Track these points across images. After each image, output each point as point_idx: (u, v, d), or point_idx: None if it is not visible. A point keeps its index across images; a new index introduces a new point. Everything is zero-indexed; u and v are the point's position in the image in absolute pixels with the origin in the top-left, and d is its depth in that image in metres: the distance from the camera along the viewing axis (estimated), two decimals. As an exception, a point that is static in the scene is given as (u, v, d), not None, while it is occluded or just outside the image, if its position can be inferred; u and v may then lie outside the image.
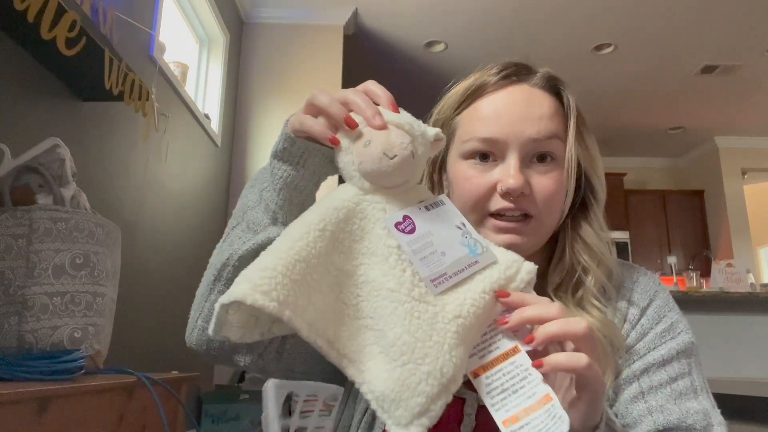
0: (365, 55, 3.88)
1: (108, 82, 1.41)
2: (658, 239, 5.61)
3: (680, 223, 5.64)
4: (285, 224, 0.54)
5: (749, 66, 4.01)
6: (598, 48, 3.79)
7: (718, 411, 0.62)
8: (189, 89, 2.64)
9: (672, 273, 4.44)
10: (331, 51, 3.33)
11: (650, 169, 6.07)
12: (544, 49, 3.80)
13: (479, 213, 0.63)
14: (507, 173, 0.61)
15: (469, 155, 0.65)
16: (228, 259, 0.59)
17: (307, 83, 3.29)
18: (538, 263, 0.60)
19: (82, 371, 0.91)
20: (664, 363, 0.62)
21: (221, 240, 0.64)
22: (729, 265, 3.80)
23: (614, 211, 5.60)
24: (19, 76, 1.33)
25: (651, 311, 0.65)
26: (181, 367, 2.34)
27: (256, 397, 2.40)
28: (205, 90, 2.95)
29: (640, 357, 0.62)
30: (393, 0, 3.30)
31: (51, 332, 0.96)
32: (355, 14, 3.40)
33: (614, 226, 5.54)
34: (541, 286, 0.65)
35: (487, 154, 0.64)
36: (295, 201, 0.58)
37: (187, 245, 2.49)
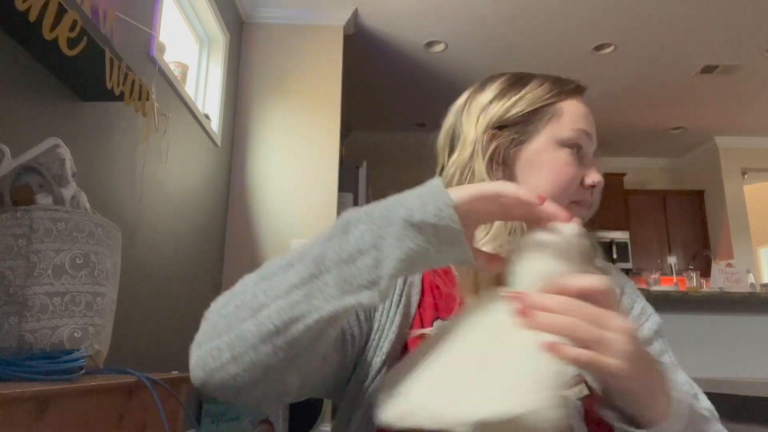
0: (365, 55, 3.88)
1: (109, 82, 1.41)
2: (658, 239, 5.61)
3: (680, 223, 5.64)
4: (383, 293, 0.47)
5: (749, 66, 4.01)
6: (598, 48, 3.79)
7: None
8: (189, 89, 2.64)
9: (672, 273, 4.44)
10: (331, 51, 3.33)
11: (650, 169, 6.07)
12: (544, 49, 3.80)
13: (565, 198, 0.71)
14: (596, 170, 0.73)
15: (570, 144, 0.71)
16: (302, 316, 0.47)
17: (307, 83, 3.28)
18: None
19: (82, 371, 0.91)
20: (645, 344, 0.66)
21: (275, 267, 0.53)
22: (729, 265, 3.80)
23: (614, 211, 5.60)
24: (19, 76, 1.33)
25: (625, 298, 0.73)
26: (181, 367, 2.34)
27: (256, 397, 2.40)
28: (205, 90, 2.95)
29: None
30: (393, 0, 3.30)
31: (51, 332, 0.96)
32: (355, 14, 3.40)
33: (614, 226, 5.55)
34: None
35: (581, 147, 0.72)
36: (404, 274, 0.51)
37: (187, 245, 2.49)
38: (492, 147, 0.72)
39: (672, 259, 4.81)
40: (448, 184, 0.71)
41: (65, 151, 1.09)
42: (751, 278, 3.83)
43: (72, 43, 1.25)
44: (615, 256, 5.45)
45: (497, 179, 0.72)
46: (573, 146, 0.71)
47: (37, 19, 1.14)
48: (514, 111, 0.73)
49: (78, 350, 0.94)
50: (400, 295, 0.65)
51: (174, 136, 2.28)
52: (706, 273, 4.37)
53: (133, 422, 0.98)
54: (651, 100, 4.61)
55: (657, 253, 5.51)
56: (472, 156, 0.73)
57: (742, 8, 3.31)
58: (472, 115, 0.75)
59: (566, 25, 3.51)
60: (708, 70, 4.07)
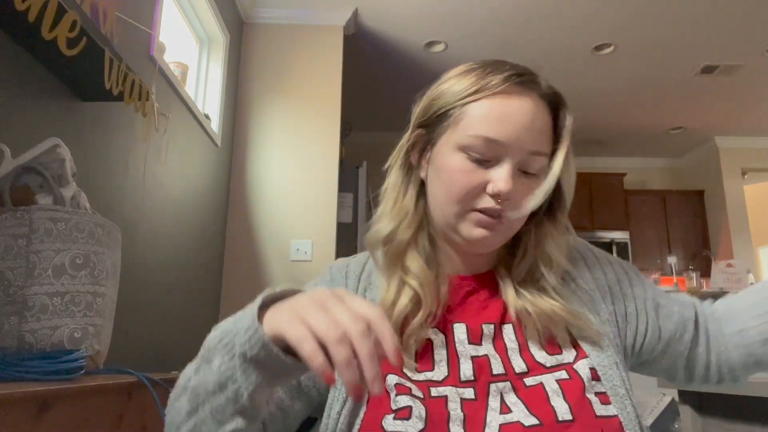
0: (365, 55, 3.88)
1: (108, 82, 1.41)
2: (658, 239, 5.61)
3: (680, 223, 5.64)
4: (252, 414, 0.54)
5: (749, 66, 4.01)
6: (598, 48, 3.79)
7: None
8: (189, 89, 2.64)
9: (672, 273, 4.44)
10: (331, 51, 3.33)
11: (650, 169, 6.07)
12: (544, 49, 3.80)
13: (463, 206, 0.66)
14: (501, 177, 0.64)
15: (468, 149, 0.66)
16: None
17: (308, 83, 3.28)
18: (502, 257, 0.74)
19: (82, 371, 0.91)
20: (655, 297, 0.77)
21: (197, 367, 0.58)
22: (729, 265, 3.80)
23: (614, 211, 5.60)
24: (19, 76, 1.33)
25: (617, 267, 0.83)
26: (181, 367, 2.34)
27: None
28: (205, 90, 2.95)
29: (636, 297, 0.77)
30: (393, 0, 3.30)
31: (51, 332, 0.96)
32: (355, 14, 3.40)
33: (614, 226, 5.55)
34: (507, 276, 0.72)
35: (486, 155, 0.65)
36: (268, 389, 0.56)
37: (187, 245, 2.49)
38: (413, 146, 0.74)
39: (672, 259, 4.81)
40: (384, 191, 0.74)
41: (65, 151, 1.09)
42: (751, 278, 3.83)
43: (71, 43, 1.25)
44: (615, 255, 5.44)
45: (412, 184, 0.73)
46: (470, 151, 0.65)
47: (36, 19, 1.14)
48: (431, 110, 0.72)
49: (78, 350, 0.94)
50: None
51: (174, 136, 2.28)
52: (706, 273, 4.36)
53: (133, 422, 0.98)
54: (651, 100, 4.61)
55: (657, 253, 5.51)
56: (397, 153, 0.75)
57: (742, 8, 3.31)
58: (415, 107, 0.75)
59: (566, 25, 3.51)
60: (708, 70, 4.07)
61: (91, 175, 1.66)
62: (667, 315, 0.74)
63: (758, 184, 6.16)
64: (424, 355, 0.66)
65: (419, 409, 0.58)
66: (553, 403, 0.59)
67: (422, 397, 0.61)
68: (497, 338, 0.67)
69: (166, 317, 2.25)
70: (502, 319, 0.69)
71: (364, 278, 0.73)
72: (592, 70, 4.09)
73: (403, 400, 0.59)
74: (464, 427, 0.58)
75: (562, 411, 0.58)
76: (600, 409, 0.60)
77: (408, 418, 0.57)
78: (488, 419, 0.59)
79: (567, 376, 0.62)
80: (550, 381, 0.62)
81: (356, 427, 0.60)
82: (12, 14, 1.13)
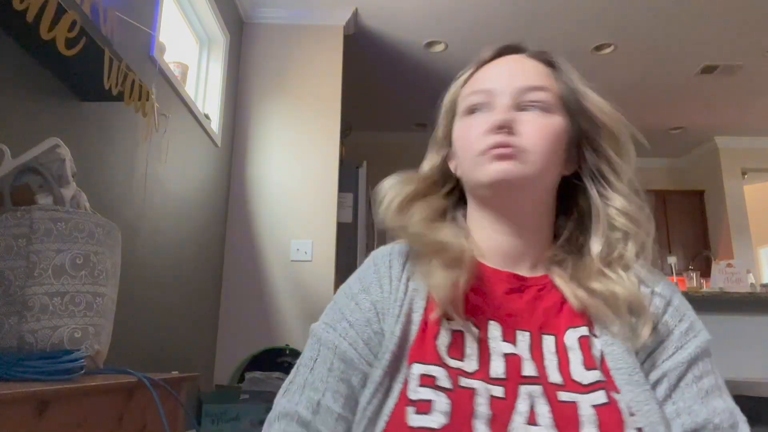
0: (365, 55, 3.88)
1: (107, 82, 1.41)
2: (658, 239, 5.50)
3: (680, 223, 5.64)
4: None
5: (749, 66, 4.01)
6: (598, 48, 3.79)
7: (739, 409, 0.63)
8: (189, 89, 2.64)
9: (672, 273, 4.44)
10: (331, 51, 3.33)
11: (650, 169, 6.07)
12: (544, 49, 3.79)
13: (477, 154, 0.67)
14: (496, 111, 0.67)
15: (469, 110, 0.70)
16: None
17: (308, 83, 3.29)
18: (542, 241, 0.70)
19: (82, 371, 0.91)
20: (690, 363, 0.62)
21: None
22: (729, 265, 3.80)
23: (614, 211, 5.59)
24: (18, 76, 1.33)
25: (672, 309, 0.65)
26: (181, 367, 2.34)
27: (256, 397, 2.40)
28: (205, 90, 2.95)
29: (669, 356, 0.62)
30: (393, 0, 3.30)
31: (51, 332, 0.96)
32: (355, 14, 3.40)
33: (614, 226, 5.54)
34: (542, 264, 0.69)
35: (483, 105, 0.69)
36: None
37: (187, 245, 2.49)
38: (441, 149, 0.78)
39: (672, 259, 4.80)
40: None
41: (65, 151, 1.09)
42: (751, 278, 3.83)
43: (71, 43, 1.25)
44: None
45: (453, 161, 0.76)
46: (471, 112, 0.70)
47: (34, 19, 1.14)
48: (444, 107, 0.77)
49: (78, 350, 0.94)
50: (400, 306, 0.65)
51: (174, 136, 2.28)
52: (706, 273, 4.37)
53: (133, 422, 0.98)
54: (651, 100, 4.61)
55: (657, 253, 5.47)
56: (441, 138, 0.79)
57: (742, 8, 3.31)
58: None
59: (566, 25, 3.51)
60: (708, 70, 4.07)
61: (91, 176, 1.66)
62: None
63: (758, 184, 6.16)
64: (454, 344, 0.62)
65: (443, 403, 0.56)
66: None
67: (450, 387, 0.57)
68: (534, 346, 0.63)
69: (166, 317, 2.25)
70: (542, 328, 0.64)
71: (408, 267, 0.69)
72: (592, 70, 4.08)
73: (425, 393, 0.57)
74: (489, 426, 0.55)
75: None
76: None
77: (428, 412, 0.55)
78: (514, 424, 0.55)
79: (605, 400, 0.57)
80: (585, 405, 0.56)
81: (384, 418, 0.58)
82: (11, 14, 1.13)
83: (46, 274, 0.97)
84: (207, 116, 2.79)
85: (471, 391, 0.57)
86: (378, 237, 3.69)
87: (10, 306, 0.95)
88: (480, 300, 0.65)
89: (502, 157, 0.64)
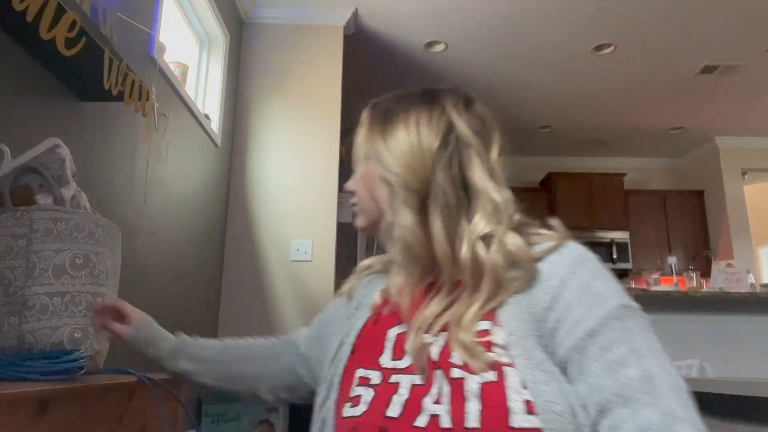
0: (365, 55, 3.88)
1: (107, 82, 1.40)
2: (658, 239, 5.61)
3: (680, 223, 5.64)
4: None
5: (749, 66, 4.01)
6: (598, 48, 3.79)
7: (674, 370, 0.57)
8: (189, 89, 2.64)
9: (672, 273, 4.44)
10: (331, 51, 3.33)
11: (650, 169, 6.07)
12: (544, 49, 3.80)
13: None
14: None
15: None
16: None
17: (307, 83, 3.28)
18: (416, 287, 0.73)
19: (82, 371, 0.91)
20: (591, 334, 0.59)
21: None
22: (729, 265, 3.80)
23: (614, 211, 5.60)
24: (18, 76, 1.33)
25: (573, 283, 0.63)
26: (181, 367, 2.34)
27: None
28: (205, 90, 2.95)
29: (570, 333, 0.60)
30: (393, 0, 3.30)
31: (51, 332, 0.95)
32: (355, 14, 3.40)
33: (614, 226, 5.55)
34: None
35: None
36: None
37: (187, 245, 2.49)
38: None
39: (672, 259, 4.81)
40: None
41: (65, 151, 1.09)
42: (751, 278, 3.83)
43: (71, 42, 1.25)
44: (615, 256, 5.45)
45: None
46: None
47: (34, 19, 1.14)
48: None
49: (78, 350, 0.94)
50: (349, 319, 0.81)
51: (174, 136, 2.28)
52: (706, 273, 4.36)
53: (133, 422, 0.98)
54: (651, 100, 4.61)
55: (657, 253, 5.51)
56: None
57: (742, 8, 3.31)
58: None
59: (566, 25, 3.51)
60: (708, 70, 4.07)
61: (91, 176, 1.66)
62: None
63: (758, 184, 6.16)
64: (401, 345, 0.70)
65: (368, 395, 0.65)
66: (467, 407, 0.58)
67: (379, 383, 0.66)
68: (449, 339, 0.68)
69: (166, 317, 2.24)
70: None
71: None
72: (592, 70, 4.09)
73: (357, 390, 0.66)
74: (403, 411, 0.61)
75: (473, 416, 0.57)
76: (520, 420, 0.56)
77: (357, 405, 0.65)
78: (423, 406, 0.60)
79: (494, 378, 0.59)
80: (472, 382, 0.59)
81: (331, 413, 0.69)
82: (11, 14, 1.13)
83: (46, 274, 0.97)
84: (207, 116, 2.79)
85: (395, 386, 0.64)
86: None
87: (10, 306, 0.95)
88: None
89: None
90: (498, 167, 0.74)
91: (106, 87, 1.40)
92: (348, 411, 0.65)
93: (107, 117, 1.75)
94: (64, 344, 0.96)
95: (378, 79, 4.26)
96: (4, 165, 1.04)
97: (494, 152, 0.74)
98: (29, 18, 1.13)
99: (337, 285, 2.95)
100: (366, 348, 0.72)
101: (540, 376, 0.58)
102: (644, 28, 3.53)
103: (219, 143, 2.90)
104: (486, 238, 0.67)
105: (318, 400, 0.73)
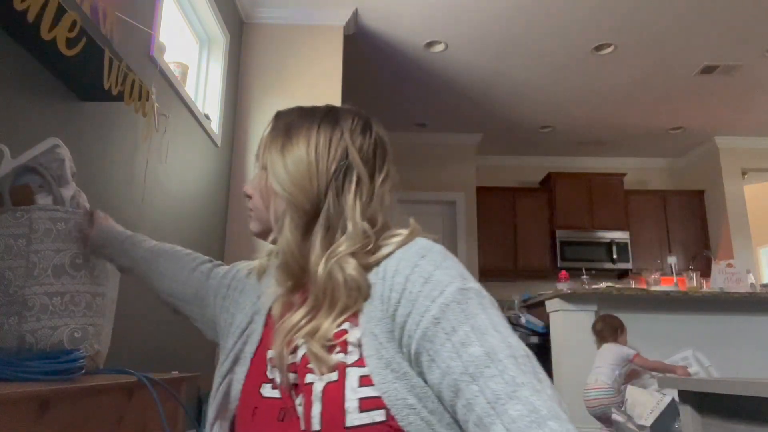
0: (365, 55, 3.88)
1: (107, 82, 1.40)
2: (658, 239, 5.61)
3: (680, 223, 5.64)
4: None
5: (749, 66, 4.01)
6: (598, 48, 3.79)
7: (515, 342, 0.59)
8: (189, 89, 2.64)
9: (672, 273, 4.44)
10: (331, 51, 3.33)
11: (650, 169, 6.07)
12: (544, 49, 3.80)
13: None
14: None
15: None
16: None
17: (308, 83, 3.29)
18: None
19: (82, 371, 0.91)
20: (436, 321, 0.60)
21: None
22: (729, 265, 3.80)
23: (614, 211, 5.60)
24: (19, 76, 1.33)
25: (416, 276, 0.64)
26: (181, 367, 2.34)
27: (256, 397, 2.40)
28: (205, 90, 2.95)
29: (417, 324, 0.61)
30: (393, 0, 3.30)
31: (51, 332, 0.95)
32: (355, 14, 3.40)
33: (614, 226, 5.55)
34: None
35: None
36: None
37: (187, 245, 2.48)
38: None
39: (672, 259, 4.80)
40: None
41: (65, 151, 1.09)
42: (751, 278, 3.83)
43: (71, 43, 1.25)
44: (615, 256, 5.45)
45: None
46: None
47: (35, 19, 1.14)
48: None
49: (78, 350, 0.94)
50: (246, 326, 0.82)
51: (174, 136, 2.28)
52: (706, 273, 4.36)
53: (133, 422, 0.98)
54: (651, 100, 4.61)
55: (657, 253, 5.51)
56: None
57: (742, 8, 3.31)
58: None
59: (566, 25, 3.51)
60: (708, 70, 4.07)
61: (91, 176, 1.66)
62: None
63: (758, 184, 6.16)
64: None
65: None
66: (312, 410, 0.62)
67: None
68: None
69: (167, 317, 2.24)
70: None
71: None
72: (592, 70, 4.09)
73: (275, 372, 0.70)
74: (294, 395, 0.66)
75: (316, 419, 0.61)
76: (354, 418, 0.60)
77: (277, 388, 0.69)
78: (300, 399, 0.65)
79: (335, 378, 0.63)
80: (319, 384, 0.63)
81: (237, 386, 0.73)
82: (11, 14, 1.13)
83: (45, 274, 0.97)
84: (207, 116, 2.79)
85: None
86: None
87: (10, 306, 0.95)
88: None
89: None
90: (383, 193, 0.76)
91: (106, 87, 1.40)
92: (269, 392, 0.69)
93: (107, 117, 1.75)
94: (64, 344, 0.96)
95: (378, 79, 4.26)
96: (3, 165, 1.04)
97: (379, 180, 0.77)
98: (30, 18, 1.13)
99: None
100: (270, 332, 0.75)
101: (389, 375, 0.61)
102: (644, 28, 3.53)
103: (219, 143, 2.90)
104: (340, 259, 0.70)
105: (222, 369, 0.78)
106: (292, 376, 0.67)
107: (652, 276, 3.99)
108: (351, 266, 0.68)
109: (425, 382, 0.61)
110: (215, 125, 2.88)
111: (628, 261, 5.46)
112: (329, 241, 0.71)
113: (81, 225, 1.05)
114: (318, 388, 0.63)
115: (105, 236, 1.06)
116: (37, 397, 0.71)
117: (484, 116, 4.90)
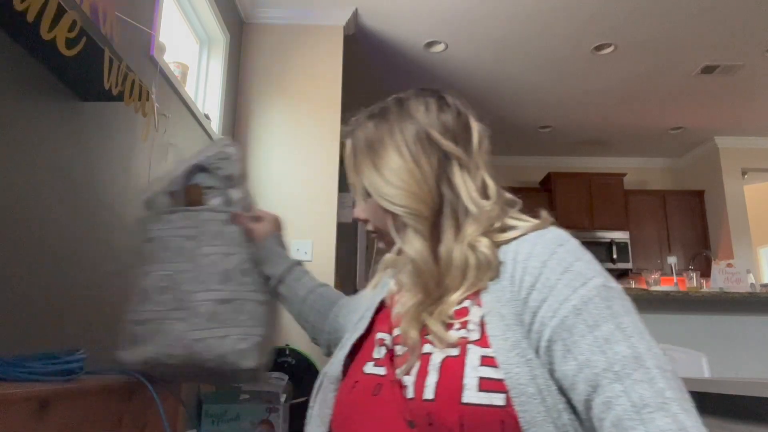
0: (365, 55, 3.88)
1: (107, 82, 1.40)
2: (658, 239, 5.61)
3: (680, 223, 5.64)
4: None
5: (749, 66, 4.01)
6: (598, 48, 3.79)
7: (660, 353, 0.57)
8: (189, 89, 2.64)
9: (672, 273, 4.44)
10: (331, 51, 3.33)
11: (650, 169, 6.07)
12: (544, 49, 3.80)
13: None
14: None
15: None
16: None
17: (307, 83, 3.28)
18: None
19: (82, 371, 0.91)
20: (577, 312, 0.59)
21: None
22: (729, 265, 3.80)
23: (614, 211, 5.60)
24: (18, 76, 1.33)
25: (554, 263, 0.63)
26: (181, 367, 2.34)
27: (256, 397, 2.40)
28: (205, 90, 2.95)
29: (555, 312, 0.60)
30: (393, 0, 3.30)
31: (219, 342, 0.91)
32: (355, 14, 3.40)
33: (614, 226, 5.55)
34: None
35: None
36: None
37: (187, 245, 2.48)
38: None
39: (672, 259, 4.80)
40: None
41: (235, 151, 1.05)
42: (751, 278, 3.83)
43: (71, 43, 1.25)
44: (615, 256, 5.45)
45: None
46: None
47: (35, 19, 1.13)
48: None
49: (78, 350, 0.94)
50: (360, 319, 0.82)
51: (174, 136, 2.28)
52: (706, 273, 4.37)
53: (133, 422, 0.98)
54: (651, 100, 4.61)
55: (657, 253, 5.51)
56: None
57: (742, 8, 3.31)
58: None
59: (566, 25, 3.51)
60: (708, 70, 4.07)
61: (91, 175, 1.66)
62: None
63: (758, 184, 6.16)
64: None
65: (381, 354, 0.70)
66: (427, 380, 0.61)
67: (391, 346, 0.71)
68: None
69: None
70: None
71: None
72: (592, 70, 4.09)
73: (381, 352, 0.70)
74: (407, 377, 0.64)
75: (430, 388, 0.60)
76: (471, 396, 0.57)
77: (382, 365, 0.69)
78: (412, 370, 0.64)
79: (456, 353, 0.62)
80: (437, 356, 0.62)
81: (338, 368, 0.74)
82: (11, 14, 1.13)
83: (213, 279, 0.93)
84: (207, 116, 2.79)
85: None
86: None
87: (178, 312, 0.91)
88: None
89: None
90: (481, 160, 0.76)
91: (106, 87, 1.40)
92: (370, 369, 0.69)
93: (107, 117, 1.75)
94: (229, 355, 0.91)
95: (378, 79, 4.26)
96: (178, 164, 1.02)
97: (475, 147, 0.77)
98: (30, 18, 1.12)
99: (337, 285, 2.95)
100: (381, 318, 0.77)
101: (514, 357, 0.59)
102: (644, 28, 3.53)
103: (219, 143, 2.90)
104: (472, 240, 0.70)
105: (338, 354, 0.78)
106: (398, 348, 0.68)
107: (652, 276, 3.99)
108: (483, 244, 0.67)
109: (551, 374, 0.59)
110: (215, 125, 2.88)
111: (628, 261, 5.46)
112: (457, 228, 0.71)
113: (248, 228, 1.00)
114: (436, 359, 0.62)
115: (267, 255, 1.04)
116: (37, 397, 0.71)
117: (483, 116, 4.89)
